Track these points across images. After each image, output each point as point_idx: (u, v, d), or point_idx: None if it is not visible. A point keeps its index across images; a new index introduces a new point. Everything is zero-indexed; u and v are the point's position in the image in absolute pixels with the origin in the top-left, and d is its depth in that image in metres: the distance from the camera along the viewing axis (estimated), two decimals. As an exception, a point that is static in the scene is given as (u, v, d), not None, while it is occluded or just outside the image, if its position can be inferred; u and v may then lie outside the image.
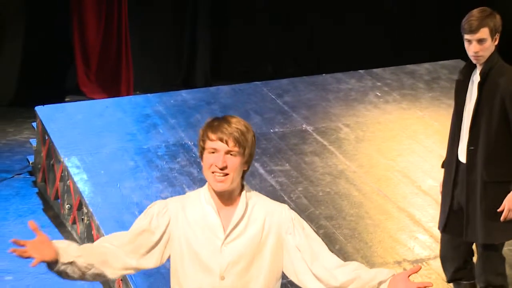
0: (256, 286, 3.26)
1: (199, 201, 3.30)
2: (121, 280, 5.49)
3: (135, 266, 3.32)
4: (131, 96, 8.85)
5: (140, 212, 6.14)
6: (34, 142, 7.76)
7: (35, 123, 7.72)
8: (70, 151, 6.91)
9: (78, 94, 9.74)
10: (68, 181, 6.72)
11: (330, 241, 5.75)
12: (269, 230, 3.28)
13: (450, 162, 4.90)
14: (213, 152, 3.23)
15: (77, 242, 6.64)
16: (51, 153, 7.15)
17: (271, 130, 7.30)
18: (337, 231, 5.89)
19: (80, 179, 6.53)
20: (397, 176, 6.67)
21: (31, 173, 7.82)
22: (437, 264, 5.60)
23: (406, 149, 7.05)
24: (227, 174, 3.22)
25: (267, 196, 3.37)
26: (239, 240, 3.26)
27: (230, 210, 3.28)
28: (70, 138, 7.10)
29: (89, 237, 6.28)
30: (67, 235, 6.65)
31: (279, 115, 7.57)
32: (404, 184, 6.55)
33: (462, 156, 4.82)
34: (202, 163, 3.28)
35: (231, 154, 3.22)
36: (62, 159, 6.81)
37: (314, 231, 3.34)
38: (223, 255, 3.25)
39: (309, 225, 3.38)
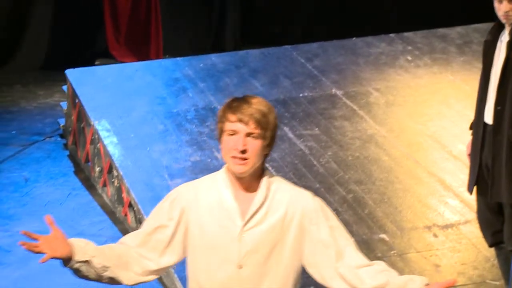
0: (275, 277, 3.08)
1: (216, 185, 3.11)
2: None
3: (155, 268, 3.14)
4: (160, 60, 8.84)
5: (169, 175, 6.17)
6: (64, 105, 7.80)
7: (65, 86, 7.75)
8: (100, 114, 6.94)
9: (108, 57, 9.74)
10: (98, 144, 6.75)
11: (359, 205, 5.75)
12: (292, 218, 3.08)
13: (478, 124, 4.85)
14: (232, 134, 3.02)
15: (109, 205, 6.67)
16: (82, 116, 7.18)
17: (301, 94, 7.27)
18: (366, 195, 5.88)
19: (110, 142, 6.56)
20: (428, 141, 6.63)
21: (62, 136, 7.87)
22: (467, 229, 5.58)
23: (436, 114, 7.00)
24: (247, 158, 3.01)
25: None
26: (259, 227, 3.06)
27: (249, 196, 3.08)
28: (100, 102, 7.13)
29: (119, 200, 6.33)
30: (98, 198, 6.71)
31: (309, 79, 7.54)
32: (435, 149, 6.52)
33: (489, 117, 4.76)
34: (220, 146, 3.07)
35: (252, 137, 3.01)
36: (92, 122, 6.84)
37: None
38: (242, 243, 3.05)
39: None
